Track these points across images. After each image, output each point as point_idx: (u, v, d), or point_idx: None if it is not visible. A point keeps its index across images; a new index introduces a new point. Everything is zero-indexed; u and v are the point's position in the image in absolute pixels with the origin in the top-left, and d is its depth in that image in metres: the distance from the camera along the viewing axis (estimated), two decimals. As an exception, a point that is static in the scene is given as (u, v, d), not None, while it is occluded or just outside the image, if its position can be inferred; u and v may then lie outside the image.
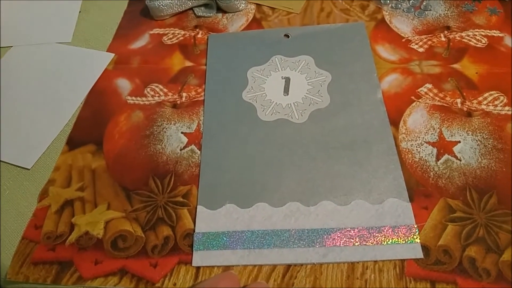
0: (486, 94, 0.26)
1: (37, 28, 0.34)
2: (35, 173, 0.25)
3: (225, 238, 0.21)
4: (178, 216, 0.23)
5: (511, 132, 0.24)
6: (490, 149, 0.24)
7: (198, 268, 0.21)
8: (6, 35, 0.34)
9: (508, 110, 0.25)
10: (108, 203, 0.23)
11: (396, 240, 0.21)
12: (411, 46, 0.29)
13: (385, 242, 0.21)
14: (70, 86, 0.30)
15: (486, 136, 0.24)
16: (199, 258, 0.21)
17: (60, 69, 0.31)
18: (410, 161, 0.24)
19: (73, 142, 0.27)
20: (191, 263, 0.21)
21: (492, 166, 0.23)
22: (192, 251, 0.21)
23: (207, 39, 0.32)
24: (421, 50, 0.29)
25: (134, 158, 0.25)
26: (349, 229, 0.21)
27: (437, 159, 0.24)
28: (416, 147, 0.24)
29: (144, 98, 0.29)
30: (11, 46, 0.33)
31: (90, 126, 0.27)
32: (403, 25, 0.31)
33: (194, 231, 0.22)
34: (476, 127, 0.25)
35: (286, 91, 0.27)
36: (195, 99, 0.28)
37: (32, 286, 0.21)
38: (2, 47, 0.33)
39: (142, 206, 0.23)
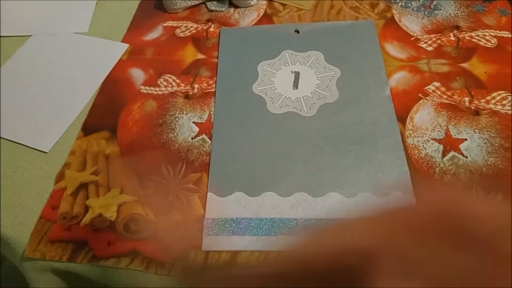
0: (494, 94, 0.26)
1: (55, 18, 0.35)
2: (52, 157, 0.26)
3: (234, 224, 0.21)
4: (189, 202, 0.23)
5: (517, 132, 0.24)
6: (497, 147, 0.23)
7: (207, 252, 0.21)
8: (26, 24, 0.34)
9: (515, 110, 0.25)
10: (121, 187, 0.24)
11: (400, 232, 0.21)
12: (419, 44, 0.29)
13: (389, 234, 0.21)
14: (86, 75, 0.30)
15: (494, 135, 0.24)
16: (209, 242, 0.21)
17: (77, 58, 0.31)
18: (416, 157, 0.24)
19: (88, 128, 0.27)
20: (200, 247, 0.21)
21: (498, 164, 0.23)
22: (202, 236, 0.21)
23: (219, 33, 0.31)
24: (430, 48, 0.29)
25: (147, 145, 0.25)
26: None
27: (443, 155, 0.23)
28: (423, 143, 0.24)
29: (157, 88, 0.29)
30: (31, 35, 0.33)
31: (105, 114, 0.28)
32: (412, 24, 0.31)
33: (204, 216, 0.22)
34: (484, 125, 0.24)
35: (296, 85, 0.27)
36: (207, 91, 0.28)
37: (49, 263, 0.21)
38: (22, 35, 0.33)
39: (154, 191, 0.23)
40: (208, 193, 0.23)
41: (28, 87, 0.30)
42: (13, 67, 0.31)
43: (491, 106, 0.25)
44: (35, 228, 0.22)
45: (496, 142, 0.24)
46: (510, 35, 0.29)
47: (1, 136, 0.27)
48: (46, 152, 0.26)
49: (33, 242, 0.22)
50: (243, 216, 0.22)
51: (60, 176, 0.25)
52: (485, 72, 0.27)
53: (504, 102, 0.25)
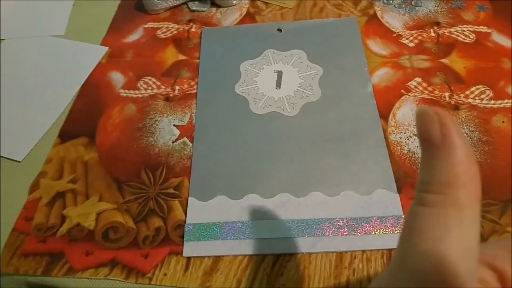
0: (473, 88, 0.26)
1: (30, 21, 0.33)
2: (26, 166, 0.24)
3: (216, 229, 0.21)
4: (170, 208, 0.22)
5: (496, 125, 0.24)
6: (475, 141, 0.23)
7: (189, 258, 0.20)
8: (-1, 28, 0.33)
9: (493, 104, 0.25)
10: (100, 195, 0.23)
11: (384, 230, 0.20)
12: (401, 41, 0.29)
13: (373, 232, 0.20)
14: (63, 79, 0.29)
15: (472, 129, 0.24)
16: (190, 248, 0.20)
17: (53, 62, 0.30)
18: (398, 153, 0.23)
19: (66, 134, 0.26)
20: (182, 253, 0.20)
21: (477, 157, 0.23)
22: (183, 242, 0.20)
23: (201, 33, 0.31)
24: (411, 44, 0.29)
25: (126, 150, 0.25)
26: (338, 219, 0.21)
27: (425, 151, 0.23)
28: (405, 139, 0.24)
29: (137, 91, 0.28)
30: (3, 39, 0.32)
31: (83, 119, 0.27)
32: (394, 20, 0.30)
33: (185, 222, 0.21)
34: (463, 120, 0.25)
35: (278, 84, 0.27)
36: (188, 92, 0.27)
37: (23, 277, 0.20)
38: (-6, 40, 0.32)
39: (134, 198, 0.22)
40: (189, 198, 0.22)
41: (1, 93, 0.28)
42: (-15, 73, 0.30)
43: (470, 100, 0.25)
44: (7, 241, 0.21)
45: (474, 136, 0.24)
46: (488, 30, 0.29)
47: (-27, 145, 0.25)
48: (19, 161, 0.25)
49: (6, 256, 0.21)
50: (226, 220, 0.21)
51: (35, 186, 0.23)
52: (464, 67, 0.27)
53: (482, 96, 0.25)
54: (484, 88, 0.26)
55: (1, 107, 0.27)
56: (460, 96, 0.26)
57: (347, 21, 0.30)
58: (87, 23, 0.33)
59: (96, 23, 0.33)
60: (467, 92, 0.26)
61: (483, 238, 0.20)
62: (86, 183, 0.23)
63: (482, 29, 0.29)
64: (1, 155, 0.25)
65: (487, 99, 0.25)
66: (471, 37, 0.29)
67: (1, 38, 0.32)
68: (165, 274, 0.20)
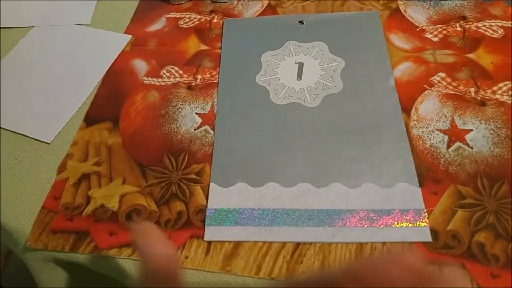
0: (501, 84, 0.24)
1: (57, 10, 0.33)
2: (54, 147, 0.25)
3: (236, 215, 0.20)
4: (191, 192, 0.22)
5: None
6: (503, 138, 0.22)
7: (209, 242, 0.20)
8: (28, 16, 0.33)
9: (522, 101, 0.24)
10: (123, 178, 0.23)
11: (405, 223, 0.20)
12: (425, 35, 0.28)
13: (394, 225, 0.20)
14: (88, 66, 0.29)
15: (500, 126, 0.23)
16: (211, 233, 0.20)
17: (79, 50, 0.30)
18: (420, 147, 0.22)
19: (91, 119, 0.26)
20: (203, 237, 0.20)
21: (504, 154, 0.22)
22: (204, 226, 0.20)
23: (223, 23, 0.30)
24: (435, 39, 0.27)
25: (149, 136, 0.24)
26: (358, 210, 0.20)
27: (448, 146, 0.22)
28: (427, 134, 0.23)
29: (160, 79, 0.28)
30: (33, 27, 0.32)
31: (107, 104, 0.27)
32: (417, 15, 0.29)
33: (206, 207, 0.21)
34: (490, 116, 0.23)
35: (299, 75, 0.26)
36: (210, 82, 0.27)
37: (51, 253, 0.21)
38: (24, 27, 0.32)
39: (157, 182, 0.22)
40: (210, 184, 0.22)
41: (30, 78, 0.29)
42: (15, 59, 0.30)
43: (498, 96, 0.24)
44: (37, 219, 0.21)
45: (502, 133, 0.22)
46: (516, 26, 0.27)
47: (3, 127, 0.26)
48: (48, 143, 0.25)
49: (35, 233, 0.21)
50: (246, 206, 0.21)
51: (62, 167, 0.24)
52: (492, 63, 0.26)
53: (510, 92, 0.24)
54: (512, 84, 0.24)
55: (31, 92, 0.28)
56: (487, 92, 0.24)
57: (369, 15, 0.29)
58: (111, 12, 0.33)
59: (120, 13, 0.33)
60: (495, 88, 0.24)
61: (510, 236, 0.19)
62: (110, 166, 0.23)
63: (511, 24, 0.28)
64: (32, 136, 0.25)
65: (515, 96, 0.24)
66: (499, 32, 0.27)
67: (31, 26, 0.32)
68: (186, 257, 0.20)
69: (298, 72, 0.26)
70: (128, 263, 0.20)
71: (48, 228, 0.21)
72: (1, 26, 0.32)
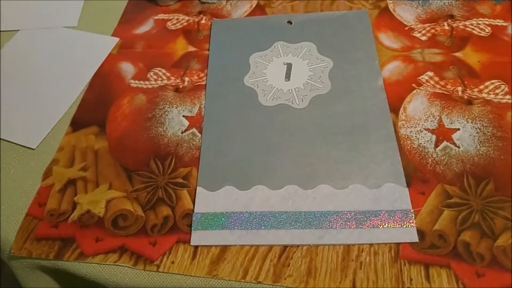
0: (487, 83, 0.24)
1: (44, 12, 0.33)
2: (39, 153, 0.24)
3: (223, 219, 0.20)
4: (178, 197, 0.21)
5: (511, 121, 0.22)
6: (489, 136, 0.22)
7: (196, 247, 0.20)
8: (14, 19, 0.32)
9: (508, 99, 0.23)
10: (109, 183, 0.22)
11: (392, 224, 0.19)
12: (413, 34, 0.27)
13: (381, 226, 0.19)
14: (75, 69, 0.28)
15: (486, 124, 0.23)
16: (198, 237, 0.20)
17: (66, 53, 0.30)
18: (408, 147, 0.22)
19: (77, 123, 0.25)
20: (189, 242, 0.20)
21: (490, 153, 0.21)
22: (191, 231, 0.20)
23: (211, 24, 0.30)
24: (423, 38, 0.27)
25: (136, 140, 0.24)
26: (346, 212, 0.20)
27: (436, 146, 0.22)
28: (415, 133, 0.23)
29: (147, 82, 0.27)
30: (19, 30, 0.31)
31: (94, 109, 0.26)
32: (406, 14, 0.29)
33: (193, 211, 0.21)
34: (476, 115, 0.23)
35: (288, 76, 0.26)
36: (197, 83, 0.26)
37: (36, 261, 0.20)
38: (10, 30, 0.31)
39: (143, 187, 0.22)
40: (197, 187, 0.21)
41: (16, 83, 0.28)
42: (1, 63, 0.29)
43: (484, 95, 0.24)
44: (21, 226, 0.21)
45: (488, 132, 0.22)
46: (504, 24, 0.27)
47: (-12, 132, 0.25)
48: (33, 149, 0.24)
49: (20, 240, 0.20)
50: (233, 210, 0.20)
51: (48, 173, 0.23)
52: (479, 61, 0.25)
53: (497, 91, 0.24)
54: (499, 83, 0.24)
55: (16, 96, 0.27)
56: (473, 91, 0.24)
57: (358, 14, 0.29)
58: (99, 14, 0.32)
59: (107, 15, 0.32)
60: (481, 87, 0.24)
61: (495, 235, 0.19)
62: (96, 171, 0.23)
63: (498, 22, 0.27)
64: (16, 142, 0.24)
65: (502, 94, 0.24)
66: (487, 30, 0.27)
67: (16, 29, 0.31)
68: (172, 262, 0.19)
69: (286, 73, 0.26)
70: (114, 269, 0.19)
71: (33, 236, 0.21)
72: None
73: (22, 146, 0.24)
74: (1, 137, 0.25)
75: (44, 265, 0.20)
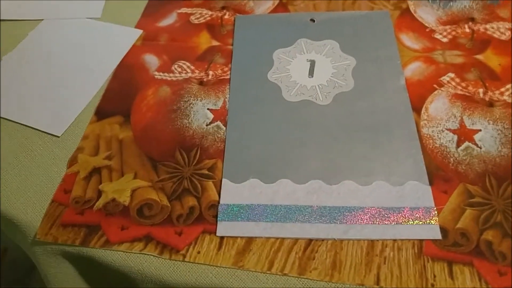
0: (508, 86, 0.24)
1: (68, 3, 0.32)
2: (64, 141, 0.23)
3: (248, 211, 0.20)
4: (203, 188, 0.21)
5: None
6: (510, 138, 0.22)
7: (222, 238, 0.19)
8: (38, 8, 0.32)
9: (529, 103, 0.23)
10: (134, 172, 0.22)
11: (416, 221, 0.19)
12: (434, 36, 0.27)
13: (405, 222, 0.19)
14: (99, 60, 0.28)
15: (507, 126, 0.22)
16: (223, 228, 0.19)
17: (90, 43, 0.29)
18: (431, 147, 0.22)
19: (102, 113, 0.25)
20: (215, 233, 0.19)
21: (511, 155, 0.21)
22: (217, 222, 0.19)
23: (234, 20, 0.29)
24: (445, 40, 0.27)
25: (161, 130, 0.23)
26: (370, 208, 0.19)
27: (458, 146, 0.22)
28: (437, 133, 0.22)
29: (171, 74, 0.26)
30: (42, 20, 0.31)
31: (118, 99, 0.25)
32: (427, 15, 0.28)
33: (218, 202, 0.20)
34: (498, 117, 0.23)
35: (311, 73, 0.25)
36: (221, 77, 0.26)
37: (61, 247, 0.20)
38: (34, 20, 0.31)
39: (168, 177, 0.21)
40: (222, 179, 0.21)
41: (40, 71, 0.27)
42: (24, 51, 0.28)
43: (505, 98, 0.23)
44: (47, 212, 0.20)
45: (509, 133, 0.22)
46: (523, 29, 0.27)
47: (13, 119, 0.24)
48: (58, 137, 0.24)
49: (45, 226, 0.20)
50: (258, 202, 0.20)
51: (73, 160, 0.22)
52: (499, 64, 0.25)
53: (518, 94, 0.23)
54: (519, 86, 0.24)
55: (41, 85, 0.26)
56: (495, 93, 0.24)
57: (380, 15, 0.28)
58: (122, 6, 0.31)
59: (131, 7, 0.31)
60: (502, 89, 0.24)
61: (509, 234, 0.19)
62: (121, 160, 0.22)
63: (518, 27, 0.27)
64: (41, 129, 0.24)
65: (522, 97, 0.23)
66: (507, 34, 0.26)
67: (40, 19, 0.30)
68: (198, 252, 0.19)
69: (309, 69, 0.25)
70: (140, 258, 0.19)
71: (59, 222, 0.20)
72: (11, 18, 0.31)
73: (47, 133, 0.24)
74: (27, 124, 0.24)
75: (69, 251, 0.20)
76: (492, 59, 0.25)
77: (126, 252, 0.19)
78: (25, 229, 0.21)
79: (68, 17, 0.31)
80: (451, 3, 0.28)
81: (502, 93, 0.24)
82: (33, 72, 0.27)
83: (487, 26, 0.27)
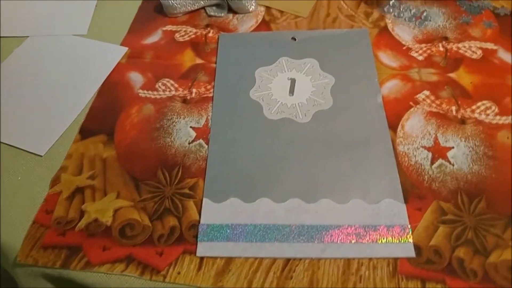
0: (479, 103, 0.24)
1: (54, 19, 0.31)
2: (47, 160, 0.23)
3: (228, 230, 0.19)
4: (184, 207, 0.20)
5: (501, 141, 0.22)
6: (481, 155, 0.22)
7: (202, 258, 0.19)
8: (24, 25, 0.31)
9: (499, 119, 0.23)
10: (117, 192, 0.21)
11: (391, 239, 0.19)
12: (411, 54, 0.27)
13: (380, 241, 0.19)
14: (84, 77, 0.27)
15: (478, 143, 0.22)
16: (203, 248, 0.19)
17: (75, 61, 0.28)
18: (406, 164, 0.22)
19: (86, 131, 0.24)
20: (195, 253, 0.19)
21: (482, 172, 0.21)
22: (197, 242, 0.19)
23: (218, 38, 0.29)
24: (420, 58, 0.27)
25: (144, 149, 0.23)
26: (346, 226, 0.19)
27: (432, 163, 0.22)
28: (413, 151, 0.22)
29: (155, 92, 0.26)
30: (28, 36, 0.30)
31: (103, 117, 0.25)
32: (404, 33, 0.28)
33: (199, 222, 0.20)
34: (469, 134, 0.23)
35: (292, 91, 0.25)
36: (205, 95, 0.25)
37: (42, 269, 0.19)
38: (19, 36, 0.30)
39: (150, 197, 0.21)
40: (203, 199, 0.20)
41: (25, 89, 0.26)
42: (9, 68, 0.27)
43: (476, 115, 0.23)
44: (28, 233, 0.20)
45: (480, 151, 0.22)
46: (494, 47, 0.27)
47: (-4, 138, 0.24)
48: (41, 156, 0.23)
49: (26, 248, 0.19)
50: (238, 222, 0.19)
51: (56, 180, 0.22)
52: (471, 82, 0.25)
53: (488, 111, 0.23)
54: (490, 104, 0.24)
55: (25, 103, 0.25)
56: (466, 111, 0.24)
57: (359, 33, 0.28)
58: (108, 23, 0.31)
59: (117, 24, 0.30)
60: (474, 107, 0.24)
61: (487, 252, 0.18)
62: (104, 179, 0.22)
63: (489, 45, 0.27)
64: (24, 149, 0.23)
65: (492, 115, 0.23)
66: (478, 53, 0.26)
67: (26, 35, 0.29)
68: (178, 273, 0.18)
69: (290, 88, 0.25)
70: (120, 279, 0.18)
71: (39, 243, 0.19)
72: (-5, 35, 0.30)
73: (30, 152, 0.23)
74: (9, 143, 0.23)
75: (49, 273, 0.19)
76: (464, 77, 0.25)
77: (107, 273, 0.18)
78: (6, 251, 0.20)
79: (53, 34, 0.30)
80: (426, 22, 0.29)
81: (473, 111, 0.24)
82: (17, 90, 0.26)
83: (459, 45, 0.27)
